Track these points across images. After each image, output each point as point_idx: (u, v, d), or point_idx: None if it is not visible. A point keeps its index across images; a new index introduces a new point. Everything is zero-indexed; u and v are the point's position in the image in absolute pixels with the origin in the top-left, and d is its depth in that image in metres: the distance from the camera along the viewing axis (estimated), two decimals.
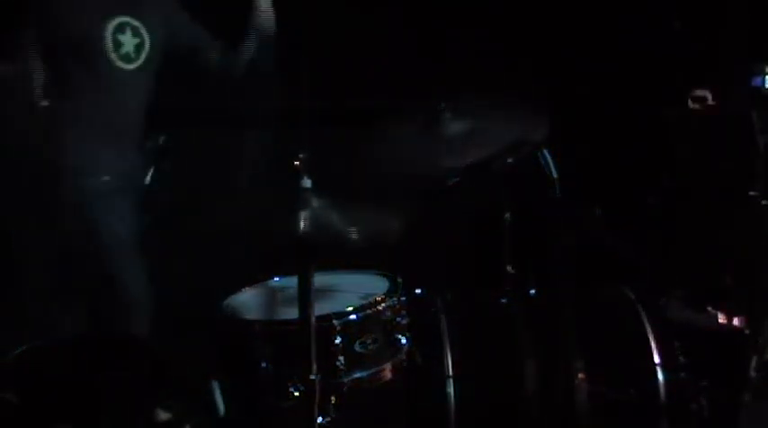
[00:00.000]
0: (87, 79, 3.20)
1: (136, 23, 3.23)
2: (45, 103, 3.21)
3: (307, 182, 2.41)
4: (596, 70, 4.08)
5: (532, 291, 3.07)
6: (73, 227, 3.24)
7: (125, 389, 3.48)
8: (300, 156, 2.41)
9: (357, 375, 2.57)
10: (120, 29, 3.21)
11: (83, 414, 3.39)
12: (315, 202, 2.40)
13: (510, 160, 2.89)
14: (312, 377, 2.38)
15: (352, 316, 2.58)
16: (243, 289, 2.89)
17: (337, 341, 2.53)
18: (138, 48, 3.23)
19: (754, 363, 3.02)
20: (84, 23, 3.16)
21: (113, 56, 3.19)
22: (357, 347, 2.58)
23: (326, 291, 2.76)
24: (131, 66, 3.23)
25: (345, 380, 2.55)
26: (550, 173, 2.70)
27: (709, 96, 3.56)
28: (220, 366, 2.76)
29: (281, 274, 2.94)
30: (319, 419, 2.45)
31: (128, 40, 3.21)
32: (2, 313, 4.04)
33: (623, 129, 3.97)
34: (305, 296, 2.37)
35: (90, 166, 3.27)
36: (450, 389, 2.78)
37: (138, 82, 3.27)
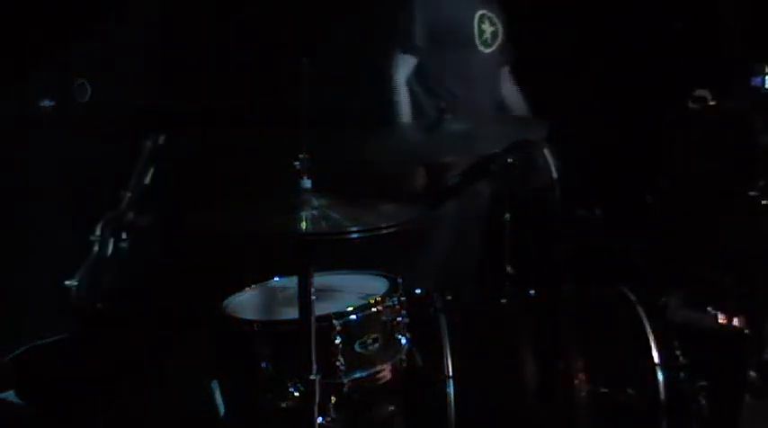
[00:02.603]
0: (456, 60, 3.72)
1: (491, 14, 3.82)
2: None
3: (307, 183, 2.41)
4: (596, 70, 4.08)
5: (532, 291, 3.07)
6: None
7: (123, 387, 3.47)
8: (301, 156, 2.41)
9: (357, 375, 2.57)
10: (481, 19, 3.77)
11: (82, 413, 3.38)
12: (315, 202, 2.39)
13: (510, 160, 2.89)
14: (312, 377, 2.38)
15: (352, 316, 2.58)
16: (243, 290, 2.88)
17: (337, 341, 2.53)
18: (494, 35, 3.80)
19: (754, 363, 3.02)
20: (459, 12, 3.75)
21: (477, 41, 3.74)
22: (357, 347, 2.58)
23: (326, 291, 2.76)
24: (488, 51, 3.78)
25: (345, 380, 2.54)
26: (550, 173, 2.70)
27: (709, 96, 3.55)
28: (220, 366, 2.75)
29: (281, 274, 2.94)
30: (319, 419, 2.45)
31: (487, 29, 3.76)
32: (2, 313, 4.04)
33: (623, 129, 3.97)
34: (305, 296, 2.37)
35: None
36: (450, 389, 2.78)
37: (491, 64, 3.82)
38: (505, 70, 3.96)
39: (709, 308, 3.24)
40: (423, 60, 3.71)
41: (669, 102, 3.72)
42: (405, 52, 3.69)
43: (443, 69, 3.73)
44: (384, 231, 2.35)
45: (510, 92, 3.95)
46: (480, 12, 3.78)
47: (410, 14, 3.69)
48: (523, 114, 3.90)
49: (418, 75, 3.73)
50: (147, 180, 4.21)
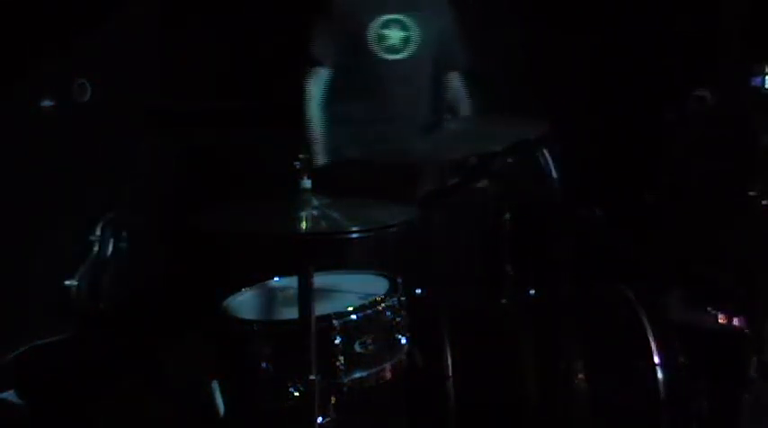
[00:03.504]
0: (358, 70, 3.58)
1: (404, 19, 3.57)
2: None
3: (307, 183, 2.40)
4: (596, 70, 4.08)
5: (532, 291, 3.06)
6: None
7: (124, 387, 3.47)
8: (300, 156, 2.41)
9: (357, 375, 2.57)
10: (386, 25, 3.55)
11: (82, 413, 3.38)
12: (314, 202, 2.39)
13: (510, 160, 2.89)
14: (312, 377, 2.38)
15: (352, 316, 2.58)
16: (242, 290, 2.88)
17: (337, 341, 2.53)
18: (405, 41, 3.56)
19: (754, 363, 3.02)
20: (361, 19, 3.55)
21: (377, 48, 3.53)
22: (357, 347, 2.57)
23: (326, 291, 2.76)
24: (395, 57, 3.56)
25: (345, 380, 2.54)
26: (550, 173, 2.70)
27: (709, 96, 3.55)
28: (220, 366, 2.75)
29: (281, 274, 2.94)
30: (319, 419, 2.45)
31: (393, 34, 3.54)
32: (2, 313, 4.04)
33: (623, 129, 3.97)
34: (305, 296, 2.37)
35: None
36: (450, 389, 2.77)
37: (404, 71, 3.59)
38: (452, 75, 3.75)
39: (709, 308, 3.24)
40: (332, 71, 3.62)
41: (669, 102, 3.72)
42: (314, 65, 3.60)
43: (348, 80, 3.61)
44: (384, 231, 2.35)
45: (457, 99, 3.75)
46: (386, 17, 3.57)
47: (316, 24, 3.60)
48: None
49: (328, 86, 3.64)
50: (147, 181, 4.22)
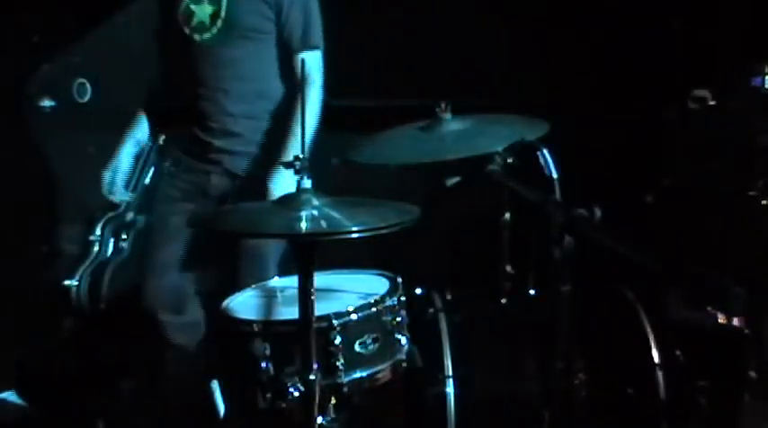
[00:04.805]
0: (170, 55, 3.29)
1: None
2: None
3: (307, 183, 2.40)
4: (596, 70, 4.08)
5: (532, 291, 3.07)
6: None
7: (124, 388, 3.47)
8: (301, 156, 2.40)
9: (357, 375, 2.57)
10: (196, 0, 3.16)
11: (82, 413, 3.39)
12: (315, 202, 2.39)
13: (510, 160, 2.89)
14: (312, 377, 2.38)
15: (353, 316, 2.58)
16: (243, 290, 2.88)
17: (337, 341, 2.53)
18: (214, 17, 3.14)
19: (754, 363, 3.02)
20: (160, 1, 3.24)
21: (186, 29, 3.18)
22: (357, 347, 2.58)
23: (326, 291, 2.76)
24: (205, 36, 3.17)
25: (345, 380, 2.54)
26: (550, 173, 2.70)
27: (709, 96, 3.55)
28: (220, 366, 2.75)
29: (281, 274, 2.95)
30: (319, 419, 2.45)
31: (200, 10, 3.14)
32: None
33: (623, 129, 3.97)
34: (305, 296, 2.37)
35: None
36: (450, 389, 2.78)
37: (217, 56, 3.19)
38: (306, 56, 3.15)
39: (709, 308, 3.24)
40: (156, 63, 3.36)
41: (669, 102, 3.72)
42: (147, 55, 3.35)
43: (166, 61, 3.33)
44: (384, 231, 2.35)
45: (305, 83, 3.16)
46: None
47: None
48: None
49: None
50: (147, 180, 4.22)
